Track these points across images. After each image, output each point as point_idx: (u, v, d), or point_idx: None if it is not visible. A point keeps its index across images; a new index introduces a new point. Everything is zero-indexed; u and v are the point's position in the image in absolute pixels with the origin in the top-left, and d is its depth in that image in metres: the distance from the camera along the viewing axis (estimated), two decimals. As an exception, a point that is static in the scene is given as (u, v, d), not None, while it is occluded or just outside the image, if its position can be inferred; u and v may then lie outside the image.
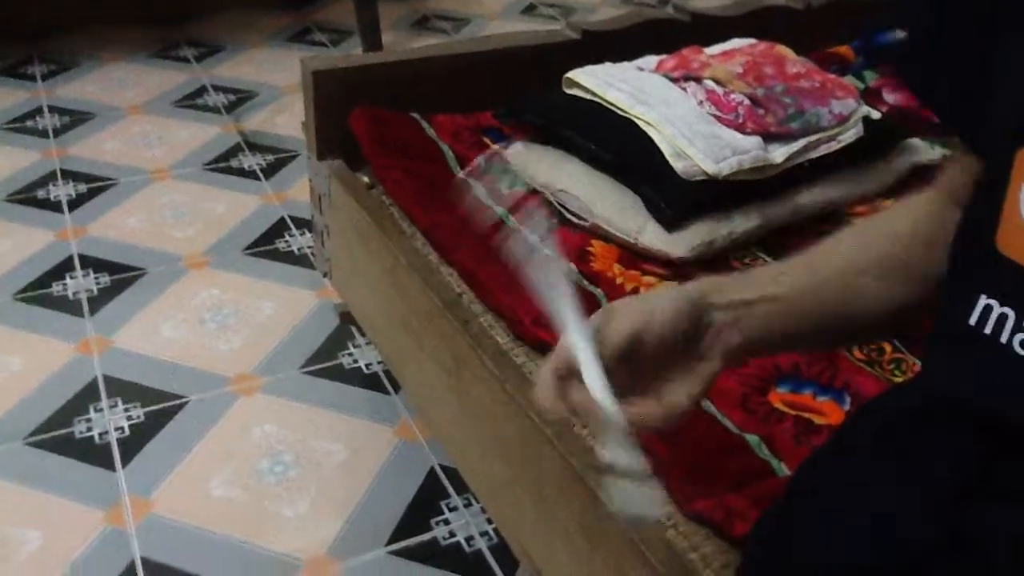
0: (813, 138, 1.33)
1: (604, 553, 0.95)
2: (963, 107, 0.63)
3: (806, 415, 1.02)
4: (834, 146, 1.35)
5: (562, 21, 3.46)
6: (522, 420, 1.05)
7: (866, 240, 0.73)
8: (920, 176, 1.39)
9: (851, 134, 1.36)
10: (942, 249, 0.64)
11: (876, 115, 1.43)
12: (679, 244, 1.24)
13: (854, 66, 1.77)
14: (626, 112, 1.32)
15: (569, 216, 1.34)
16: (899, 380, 1.07)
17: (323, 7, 3.57)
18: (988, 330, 0.55)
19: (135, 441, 1.63)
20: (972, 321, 0.56)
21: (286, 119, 2.72)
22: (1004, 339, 0.54)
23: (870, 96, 1.58)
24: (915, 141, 1.45)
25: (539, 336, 1.13)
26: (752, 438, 0.98)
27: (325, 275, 1.72)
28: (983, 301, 0.55)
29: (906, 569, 0.59)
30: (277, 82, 2.95)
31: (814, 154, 1.33)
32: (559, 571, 1.05)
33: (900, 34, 1.85)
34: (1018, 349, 0.53)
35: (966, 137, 0.65)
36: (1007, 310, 0.54)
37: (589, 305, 1.17)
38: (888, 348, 1.12)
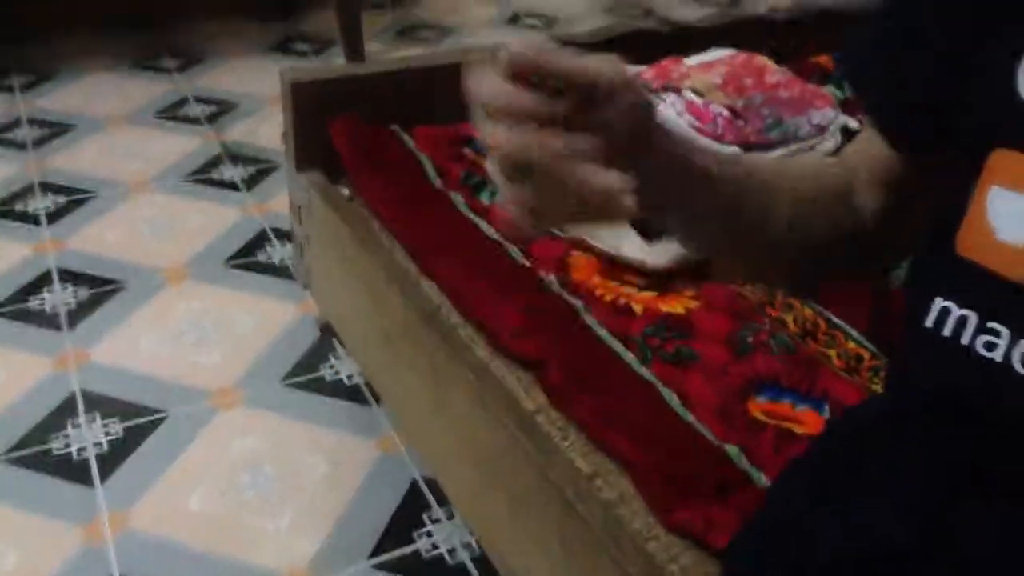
0: (792, 148, 1.34)
1: (582, 563, 0.94)
2: (897, 101, 0.62)
3: (786, 424, 1.02)
4: (813, 156, 1.35)
5: (546, 32, 3.47)
6: (500, 432, 1.05)
7: (764, 164, 0.71)
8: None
9: (829, 144, 1.37)
10: (849, 211, 0.65)
11: (855, 125, 1.43)
12: (659, 255, 1.24)
13: (834, 76, 1.77)
14: (605, 123, 1.32)
15: (549, 227, 1.33)
16: (877, 387, 1.07)
17: (305, 17, 3.57)
18: (947, 333, 0.54)
19: (113, 457, 1.61)
20: (928, 323, 0.56)
21: (267, 130, 2.70)
22: (965, 341, 0.53)
23: (849, 106, 1.58)
24: (893, 150, 1.45)
25: (518, 348, 1.12)
26: (732, 448, 0.98)
27: (305, 287, 1.72)
28: (939, 303, 0.55)
29: (888, 573, 0.59)
30: (259, 92, 2.94)
31: (793, 164, 1.34)
32: (539, 583, 1.05)
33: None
34: (982, 351, 0.53)
35: (892, 133, 0.64)
36: (967, 312, 0.54)
37: (568, 315, 1.17)
38: (867, 356, 1.12)
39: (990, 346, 0.52)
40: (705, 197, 0.60)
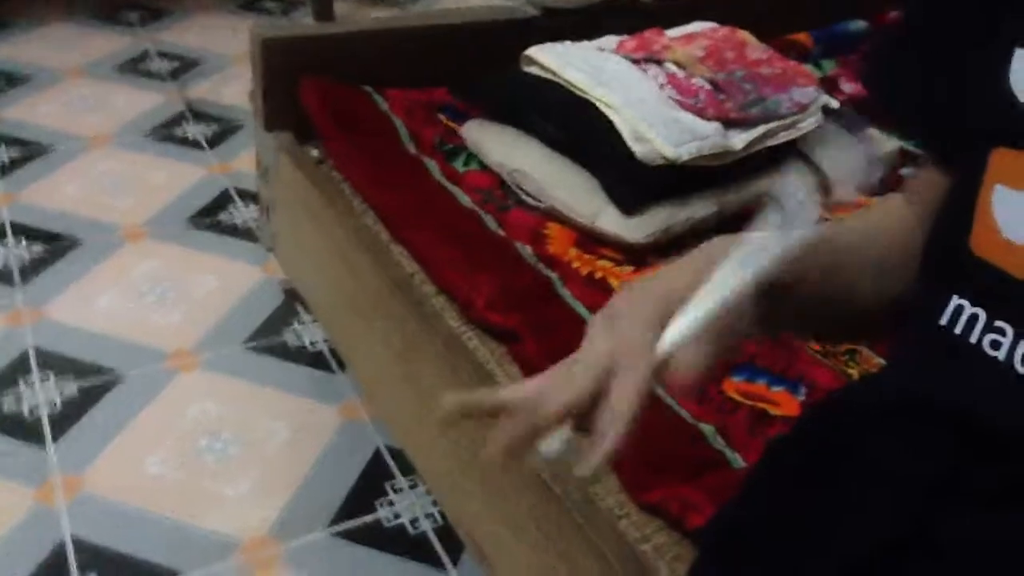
0: (773, 125, 1.32)
1: (555, 542, 0.93)
2: (931, 115, 0.62)
3: (761, 405, 1.01)
4: (793, 134, 1.34)
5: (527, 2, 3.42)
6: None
7: (853, 238, 0.69)
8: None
9: (810, 122, 1.36)
10: (911, 259, 0.63)
11: (835, 104, 1.42)
12: (636, 229, 1.22)
13: (813, 54, 1.77)
14: (585, 93, 1.29)
15: (525, 197, 1.31)
16: (852, 371, 1.07)
17: (273, -26, 3.49)
18: (958, 331, 0.54)
19: (67, 417, 1.57)
20: (943, 321, 0.55)
21: (233, 88, 2.64)
22: (974, 340, 0.53)
23: (828, 85, 1.58)
24: (871, 131, 1.44)
25: (491, 320, 1.10)
26: (707, 428, 0.97)
27: (269, 250, 1.68)
28: (955, 301, 0.55)
29: (871, 570, 0.59)
30: (224, 50, 2.87)
31: (773, 141, 1.32)
32: (507, 559, 1.03)
33: (860, 24, 1.86)
34: (988, 350, 0.52)
35: (931, 145, 0.64)
36: (978, 310, 0.53)
37: (543, 288, 1.15)
38: (842, 339, 1.12)
39: (995, 344, 0.52)
40: (798, 317, 0.65)
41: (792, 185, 0.57)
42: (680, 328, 0.54)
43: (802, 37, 1.81)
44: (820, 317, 0.68)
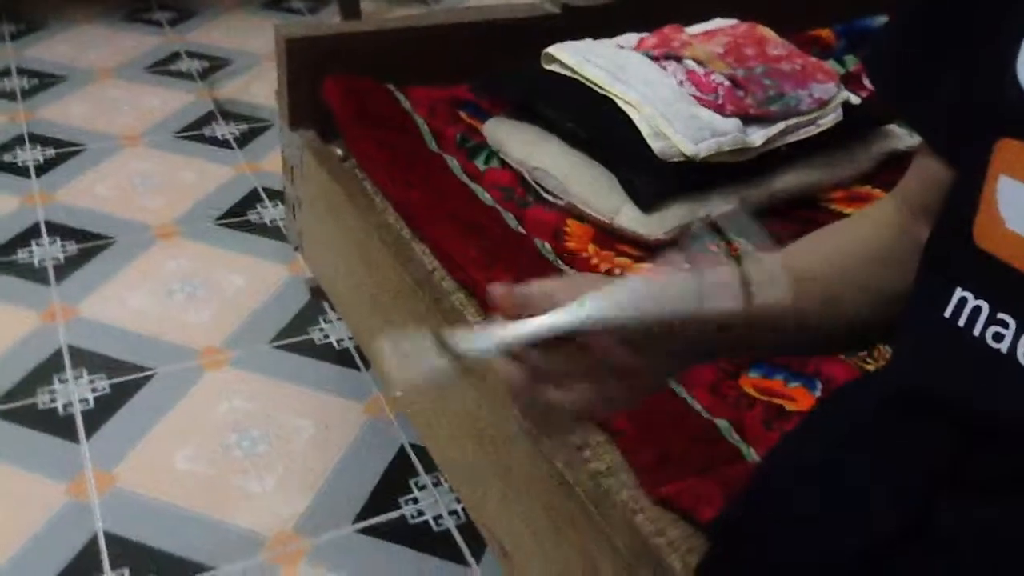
0: (792, 121, 1.32)
1: (570, 536, 0.94)
2: (935, 107, 0.62)
3: (777, 401, 1.01)
4: (813, 130, 1.34)
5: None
6: (491, 400, 1.04)
7: (824, 254, 0.69)
8: (899, 162, 1.38)
9: (830, 118, 1.35)
10: (897, 267, 0.64)
11: (856, 100, 1.41)
12: (655, 226, 1.23)
13: (836, 50, 1.76)
14: (605, 90, 1.30)
15: (545, 194, 1.32)
16: (870, 367, 1.07)
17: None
18: (962, 323, 0.54)
19: (100, 413, 1.60)
20: (947, 313, 0.55)
21: (261, 87, 2.67)
22: (977, 332, 0.53)
23: (850, 81, 1.57)
24: (894, 127, 1.44)
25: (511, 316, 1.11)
26: (722, 423, 0.97)
27: (296, 248, 1.70)
28: (959, 293, 0.55)
29: (875, 560, 0.59)
30: (253, 49, 2.90)
31: (793, 137, 1.32)
32: (525, 553, 1.05)
33: (883, 20, 1.85)
34: (990, 342, 0.52)
35: (933, 139, 0.64)
36: (981, 302, 0.53)
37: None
38: (861, 335, 1.11)
39: (998, 337, 0.52)
40: (774, 339, 0.66)
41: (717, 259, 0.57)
42: (512, 331, 0.57)
43: (825, 33, 1.80)
44: (788, 340, 0.68)
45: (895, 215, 0.68)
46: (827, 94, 1.36)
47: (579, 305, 0.56)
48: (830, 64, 1.58)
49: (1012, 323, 0.52)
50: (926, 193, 0.63)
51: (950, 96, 0.60)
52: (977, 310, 0.54)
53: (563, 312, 0.56)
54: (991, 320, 0.53)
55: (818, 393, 1.03)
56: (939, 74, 0.61)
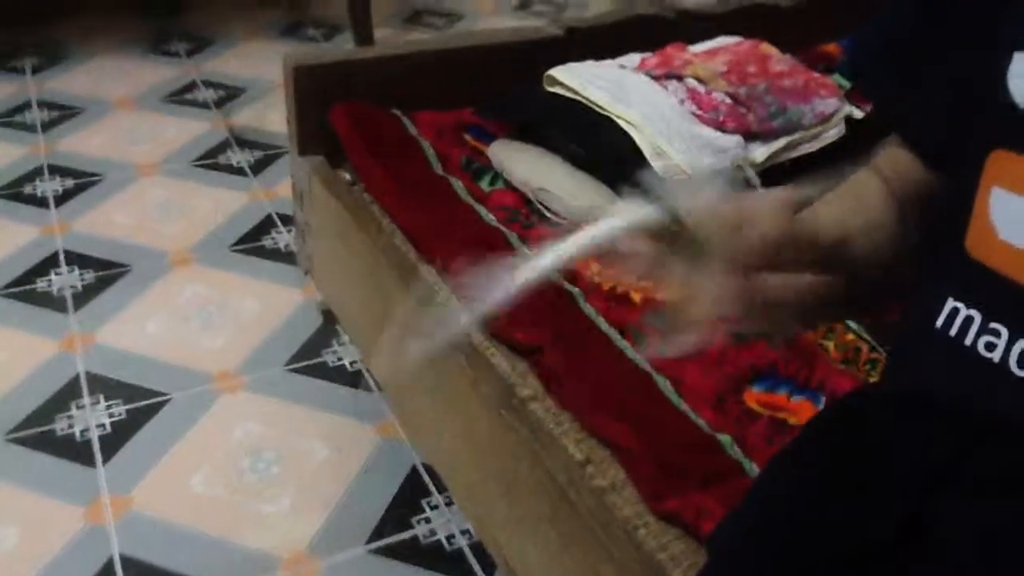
0: (795, 137, 1.33)
1: (574, 551, 0.95)
2: (926, 118, 0.62)
3: (780, 415, 1.01)
4: (815, 145, 1.34)
5: (554, 18, 3.45)
6: (494, 416, 1.05)
7: (841, 213, 0.69)
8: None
9: (833, 133, 1.36)
10: (888, 235, 0.65)
11: (859, 114, 1.42)
12: (658, 243, 1.23)
13: (840, 65, 1.76)
14: (607, 111, 1.31)
15: (549, 215, 1.33)
16: (874, 379, 1.07)
17: (315, 1, 3.57)
18: (954, 332, 0.55)
19: (116, 438, 1.62)
20: (939, 323, 0.56)
21: (276, 115, 2.70)
22: (969, 341, 0.54)
23: (854, 95, 1.57)
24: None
25: (514, 334, 1.12)
26: (724, 438, 0.98)
27: (307, 272, 1.72)
28: (951, 303, 0.55)
29: (873, 564, 0.59)
30: (268, 77, 2.94)
31: (795, 153, 1.33)
32: (530, 568, 1.05)
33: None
34: (983, 351, 0.53)
35: (924, 148, 0.64)
36: (973, 312, 0.54)
37: (566, 302, 1.17)
38: (864, 348, 1.11)
39: (990, 346, 0.52)
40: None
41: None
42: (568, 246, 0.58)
43: (831, 48, 1.81)
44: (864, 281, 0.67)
45: (877, 194, 0.68)
46: (829, 108, 1.36)
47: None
48: (834, 78, 1.58)
49: (1004, 332, 0.52)
50: (896, 181, 0.64)
51: (937, 103, 0.61)
52: (969, 320, 0.54)
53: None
54: (983, 330, 0.53)
55: (822, 407, 1.03)
56: (925, 80, 0.61)
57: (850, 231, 0.64)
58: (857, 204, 0.68)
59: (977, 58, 0.56)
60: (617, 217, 0.58)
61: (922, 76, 0.62)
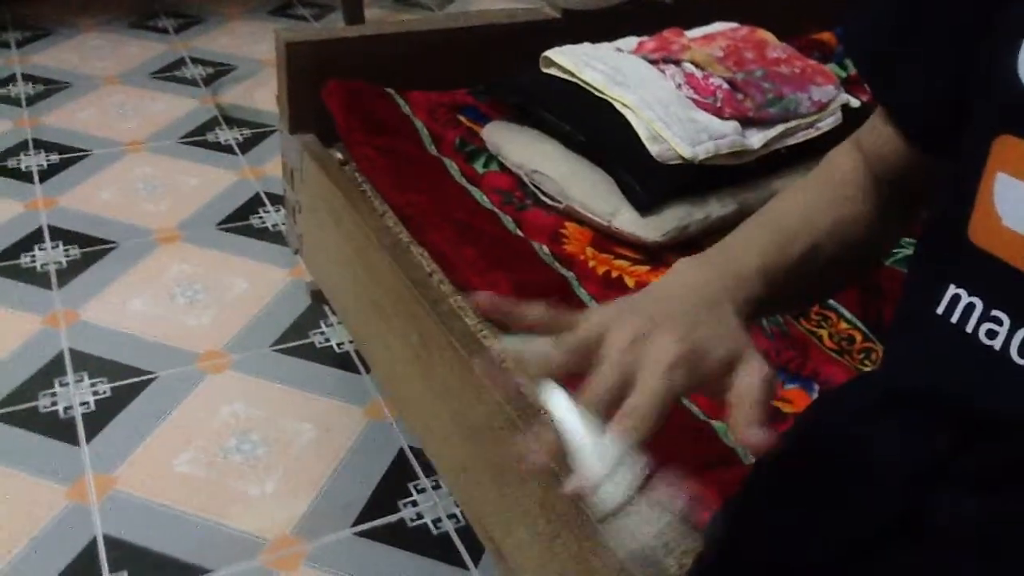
0: (791, 124, 1.32)
1: (565, 538, 0.94)
2: (928, 104, 0.62)
3: (774, 403, 1.01)
4: (812, 133, 1.34)
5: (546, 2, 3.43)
6: (487, 401, 1.04)
7: (810, 198, 0.69)
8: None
9: (830, 121, 1.35)
10: (864, 223, 0.66)
11: (856, 103, 1.41)
12: (653, 228, 1.22)
13: (836, 54, 1.76)
14: (603, 93, 1.30)
15: (543, 198, 1.32)
16: (867, 369, 1.07)
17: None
18: (955, 319, 0.54)
19: (101, 416, 1.61)
20: (939, 310, 0.55)
21: (265, 93, 2.68)
22: (970, 328, 0.53)
23: (851, 84, 1.56)
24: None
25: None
26: (719, 425, 0.97)
27: (296, 252, 1.70)
28: (952, 290, 0.55)
29: (870, 555, 0.59)
30: (256, 55, 2.91)
31: (791, 140, 1.32)
32: (521, 554, 1.04)
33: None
34: (983, 339, 0.52)
35: (906, 122, 0.63)
36: (975, 299, 0.53)
37: (560, 287, 1.16)
38: (859, 337, 1.11)
39: (991, 334, 0.52)
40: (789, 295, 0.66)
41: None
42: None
43: (826, 36, 1.80)
44: (799, 289, 0.68)
45: (855, 176, 0.68)
46: (826, 97, 1.36)
47: None
48: (831, 67, 1.58)
49: (1006, 320, 0.51)
50: (876, 158, 0.64)
51: (932, 85, 0.60)
52: (971, 307, 0.53)
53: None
54: (985, 317, 0.52)
55: (815, 395, 1.02)
56: (933, 71, 0.60)
57: (799, 241, 0.64)
58: (827, 191, 0.68)
59: (979, 42, 0.55)
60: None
61: (917, 56, 0.61)
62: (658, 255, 1.23)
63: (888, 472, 0.59)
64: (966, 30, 0.57)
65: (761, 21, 1.52)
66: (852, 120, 1.38)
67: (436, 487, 1.51)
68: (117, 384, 1.68)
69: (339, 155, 1.48)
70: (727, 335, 0.56)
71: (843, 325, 1.13)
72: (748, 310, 0.60)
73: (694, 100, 1.28)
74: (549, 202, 1.31)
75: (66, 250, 2.00)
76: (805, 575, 0.62)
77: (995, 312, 0.52)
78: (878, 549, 0.58)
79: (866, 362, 1.07)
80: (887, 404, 0.61)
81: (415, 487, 1.52)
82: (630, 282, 1.17)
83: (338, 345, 1.80)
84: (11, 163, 2.29)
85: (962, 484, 0.56)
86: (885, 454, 0.60)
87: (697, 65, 1.34)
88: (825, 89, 1.36)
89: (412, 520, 1.47)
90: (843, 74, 1.66)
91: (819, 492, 0.64)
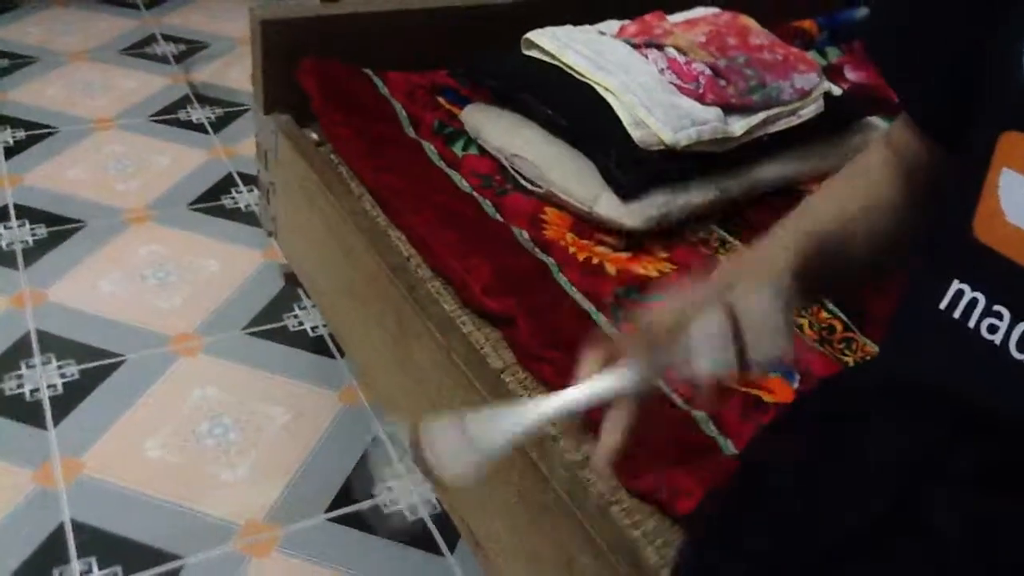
0: (773, 112, 1.31)
1: (545, 528, 0.93)
2: (937, 98, 0.62)
3: (755, 391, 1.00)
4: (794, 121, 1.33)
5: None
6: (465, 388, 1.02)
7: (843, 196, 0.71)
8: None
9: (811, 109, 1.35)
10: (892, 214, 0.67)
11: (837, 91, 1.41)
12: (634, 214, 1.21)
13: (818, 42, 1.75)
14: (585, 77, 1.29)
15: (523, 182, 1.30)
16: (848, 359, 1.06)
17: (280, -42, 3.48)
18: (957, 315, 0.54)
19: (68, 399, 1.58)
20: (942, 305, 0.55)
21: (238, 72, 2.64)
22: (972, 324, 0.53)
23: (832, 73, 1.56)
24: (875, 120, 1.43)
25: (487, 304, 1.10)
26: (699, 414, 0.96)
27: (270, 234, 1.67)
28: (956, 285, 0.55)
29: (864, 550, 0.58)
30: (230, 33, 2.86)
31: (773, 128, 1.31)
32: (500, 544, 1.03)
33: (865, 12, 1.85)
34: (985, 334, 0.52)
35: (936, 130, 0.64)
36: (977, 295, 0.53)
37: (540, 273, 1.15)
38: (839, 327, 1.11)
39: (992, 328, 0.52)
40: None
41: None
42: (554, 404, 0.62)
43: (808, 24, 1.79)
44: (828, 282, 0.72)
45: (883, 168, 0.69)
46: (809, 84, 1.35)
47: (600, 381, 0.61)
48: (812, 55, 1.57)
49: (1007, 315, 0.52)
50: (905, 155, 0.65)
51: (948, 83, 0.60)
52: (973, 302, 0.54)
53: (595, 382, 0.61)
54: (986, 312, 0.53)
55: (796, 384, 1.02)
56: (938, 60, 0.60)
57: (835, 229, 0.67)
58: (860, 184, 0.70)
59: (989, 37, 0.55)
60: (595, 383, 0.62)
61: (930, 53, 0.61)
62: (639, 241, 1.22)
63: (884, 463, 0.59)
64: (977, 24, 0.57)
65: (742, 6, 1.51)
66: (833, 108, 1.38)
67: (412, 473, 1.50)
68: (85, 367, 1.64)
69: (314, 136, 1.46)
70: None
71: (824, 315, 1.13)
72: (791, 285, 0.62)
73: (676, 86, 1.27)
74: (529, 187, 1.29)
75: (32, 229, 1.96)
76: (798, 568, 0.61)
77: (997, 307, 0.52)
78: (873, 543, 0.58)
79: (846, 352, 1.07)
80: (885, 396, 0.61)
81: (391, 473, 1.50)
82: (611, 269, 1.16)
83: (312, 329, 1.77)
84: (-24, 139, 2.24)
85: (961, 480, 0.55)
86: (881, 446, 0.59)
87: (680, 50, 1.32)
88: (807, 77, 1.35)
89: (387, 506, 1.45)
90: (824, 62, 1.65)
91: (811, 485, 0.63)
